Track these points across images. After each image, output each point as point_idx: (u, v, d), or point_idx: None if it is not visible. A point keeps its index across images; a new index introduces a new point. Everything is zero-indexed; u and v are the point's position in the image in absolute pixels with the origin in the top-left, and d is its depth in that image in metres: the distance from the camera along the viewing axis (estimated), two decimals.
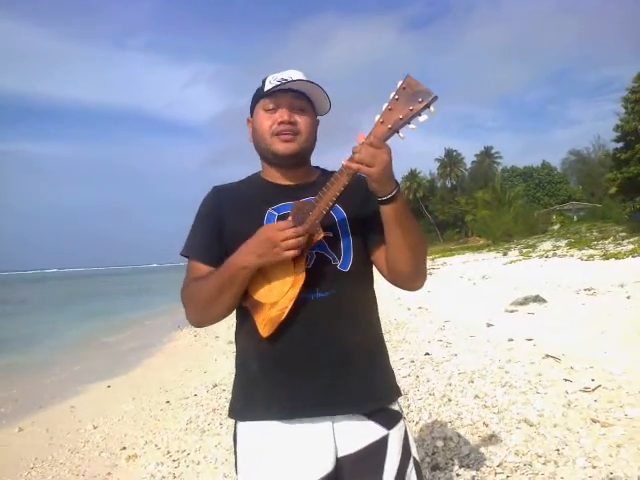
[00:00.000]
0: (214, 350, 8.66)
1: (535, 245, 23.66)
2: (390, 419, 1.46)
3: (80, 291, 40.04)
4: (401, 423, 1.49)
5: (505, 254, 22.81)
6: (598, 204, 41.57)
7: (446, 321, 8.21)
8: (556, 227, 37.50)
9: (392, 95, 1.31)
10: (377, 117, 1.32)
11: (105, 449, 4.41)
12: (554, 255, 17.57)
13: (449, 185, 74.81)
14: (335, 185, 1.35)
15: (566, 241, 21.46)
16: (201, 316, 1.49)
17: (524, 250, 22.58)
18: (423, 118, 1.30)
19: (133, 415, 5.35)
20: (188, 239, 1.56)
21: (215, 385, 5.95)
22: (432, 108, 1.29)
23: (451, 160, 73.31)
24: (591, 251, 16.18)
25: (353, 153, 1.30)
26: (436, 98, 1.28)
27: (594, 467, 2.89)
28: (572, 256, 16.09)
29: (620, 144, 25.68)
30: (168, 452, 4.08)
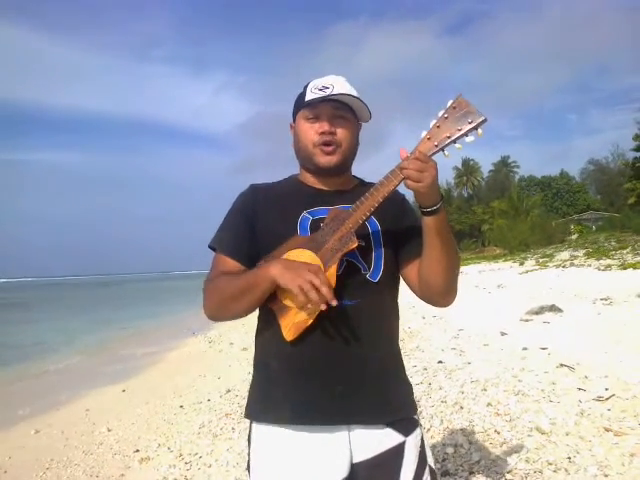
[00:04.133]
0: (228, 357, 8.69)
1: (552, 255, 23.42)
2: (407, 426, 1.46)
3: (97, 298, 40.42)
4: (418, 431, 1.48)
5: (522, 264, 22.61)
6: (617, 214, 41.11)
7: (460, 330, 8.16)
8: (574, 237, 37.09)
9: (441, 113, 1.33)
10: (424, 133, 1.34)
11: (119, 451, 4.46)
12: (571, 265, 17.38)
13: (465, 194, 74.47)
14: (375, 195, 1.37)
15: (584, 251, 21.19)
16: (218, 311, 1.49)
17: (541, 260, 22.36)
18: (470, 139, 1.33)
19: (147, 419, 5.40)
20: (219, 232, 1.55)
21: (228, 391, 5.99)
22: (480, 130, 1.32)
23: (468, 169, 73.00)
24: (609, 261, 15.98)
25: (400, 168, 1.31)
26: (485, 121, 1.31)
27: (606, 475, 2.86)
28: (589, 266, 15.91)
29: (639, 153, 25.39)
30: (180, 455, 4.12)
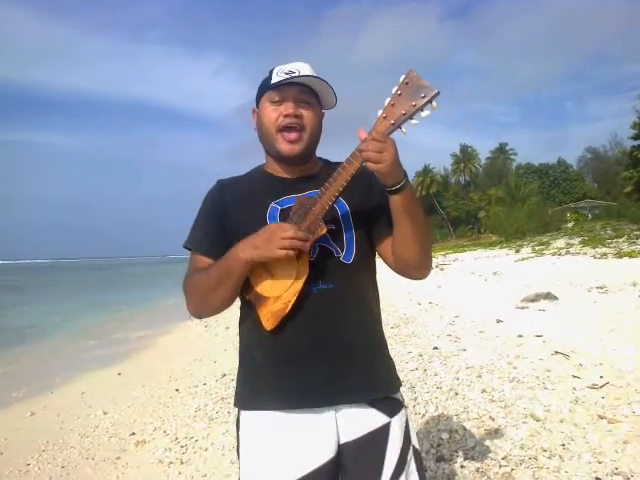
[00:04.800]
0: (224, 341, 8.71)
1: (548, 242, 23.47)
2: (392, 407, 1.48)
3: (93, 281, 40.43)
4: (403, 411, 1.50)
5: (517, 251, 22.66)
6: (613, 202, 41.19)
7: (456, 316, 8.20)
8: (570, 225, 37.19)
9: (394, 90, 1.32)
10: (380, 112, 1.33)
11: (114, 434, 4.48)
12: (567, 253, 17.42)
13: (463, 181, 74.47)
14: (338, 179, 1.36)
15: (580, 239, 21.24)
16: (200, 307, 1.51)
17: (537, 247, 22.41)
18: (425, 113, 1.31)
19: (142, 402, 5.42)
20: (191, 232, 1.58)
21: (224, 375, 6.00)
22: (434, 103, 1.30)
23: (465, 156, 72.93)
24: (605, 249, 16.01)
25: (359, 150, 1.31)
26: (438, 93, 1.29)
27: (599, 462, 2.89)
28: (585, 254, 15.94)
29: (637, 142, 25.38)
30: (176, 438, 4.13)
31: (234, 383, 5.09)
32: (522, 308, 8.29)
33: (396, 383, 1.53)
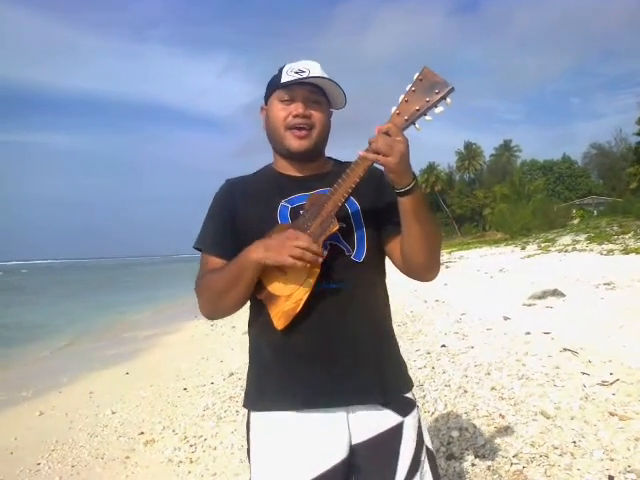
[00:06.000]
0: (231, 340, 8.72)
1: (554, 239, 23.38)
2: (405, 407, 1.47)
3: (100, 281, 40.54)
4: (415, 411, 1.49)
5: (523, 248, 22.58)
6: (619, 198, 40.95)
7: (462, 314, 8.17)
8: (576, 221, 37.03)
9: (409, 87, 1.32)
10: (393, 108, 1.33)
11: (123, 434, 4.49)
12: (573, 249, 17.35)
13: (467, 178, 74.29)
14: (351, 177, 1.35)
15: (586, 235, 21.13)
16: (213, 309, 1.51)
17: (543, 244, 22.33)
18: (439, 109, 1.31)
19: (151, 401, 5.43)
20: (201, 232, 1.57)
21: (231, 374, 6.00)
22: (448, 99, 1.29)
23: (470, 153, 72.69)
24: (611, 245, 15.94)
25: (370, 144, 1.30)
26: (452, 89, 1.28)
27: (611, 460, 2.87)
28: (592, 250, 15.88)
29: None
30: (185, 437, 4.14)
31: (242, 382, 5.10)
32: (529, 305, 8.26)
33: (407, 384, 1.52)
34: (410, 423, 1.46)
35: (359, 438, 1.41)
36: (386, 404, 1.43)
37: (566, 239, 21.75)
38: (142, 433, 4.42)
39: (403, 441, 1.43)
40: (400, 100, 1.32)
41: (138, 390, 5.94)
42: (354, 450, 1.41)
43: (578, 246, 18.08)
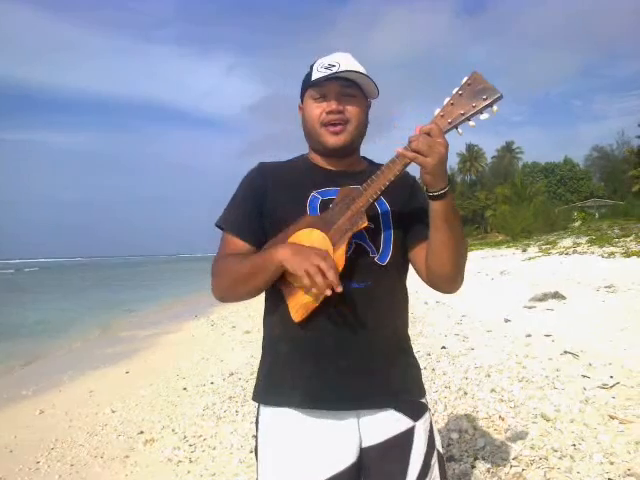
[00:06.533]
0: (231, 339, 8.71)
1: (555, 242, 23.33)
2: (417, 411, 1.45)
3: (103, 279, 40.56)
4: (427, 415, 1.48)
5: (524, 250, 22.54)
6: (620, 201, 40.92)
7: (463, 316, 8.17)
8: (577, 224, 36.98)
9: (455, 90, 1.30)
10: (437, 110, 1.31)
11: (123, 433, 4.48)
12: (574, 252, 17.33)
13: (469, 180, 74.20)
14: (386, 174, 1.34)
15: (587, 238, 21.09)
16: (227, 292, 1.48)
17: (544, 246, 22.30)
18: (484, 116, 1.30)
19: (150, 400, 5.42)
20: (226, 210, 1.53)
21: (231, 374, 5.99)
22: (495, 107, 1.28)
23: (472, 155, 72.63)
24: (612, 248, 15.90)
25: (409, 142, 1.28)
26: (501, 97, 1.27)
27: (611, 463, 2.86)
28: (593, 253, 15.85)
29: None
30: (185, 437, 4.13)
31: (242, 382, 5.10)
32: (530, 307, 8.26)
33: (421, 389, 1.50)
34: (421, 427, 1.44)
35: (370, 441, 1.40)
36: (398, 407, 1.42)
37: (567, 241, 21.70)
38: (142, 432, 4.41)
39: (414, 446, 1.42)
40: (445, 102, 1.31)
41: (138, 389, 5.93)
42: (364, 453, 1.40)
43: (579, 249, 18.04)
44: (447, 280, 1.44)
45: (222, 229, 1.52)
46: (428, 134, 1.26)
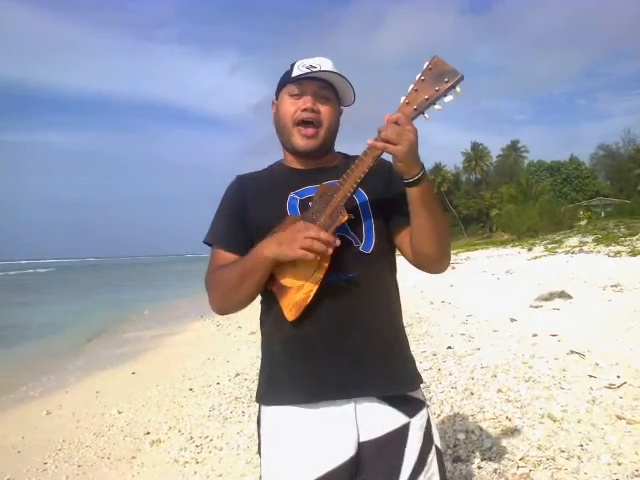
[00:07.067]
0: (236, 340, 8.73)
1: (561, 241, 23.25)
2: (412, 407, 1.47)
3: (108, 280, 40.68)
4: (423, 411, 1.49)
5: (530, 249, 22.49)
6: (626, 200, 40.76)
7: (469, 315, 8.15)
8: (583, 223, 36.86)
9: (418, 76, 1.32)
10: (402, 98, 1.33)
11: (129, 433, 4.50)
12: (580, 251, 17.26)
13: (474, 179, 74.09)
14: (360, 166, 1.36)
15: (593, 237, 21.01)
16: (224, 303, 1.50)
17: (549, 246, 22.22)
18: (449, 99, 1.31)
19: (157, 401, 5.44)
20: (212, 227, 1.58)
21: (237, 374, 6.01)
22: (458, 88, 1.29)
23: (477, 154, 72.53)
24: (618, 247, 15.83)
25: (378, 132, 1.30)
26: (462, 78, 1.28)
27: (619, 464, 2.85)
28: (599, 252, 15.78)
29: None
30: (191, 438, 4.14)
31: (247, 383, 5.10)
32: (536, 307, 8.23)
33: (416, 379, 1.52)
34: (417, 424, 1.46)
35: (367, 436, 1.41)
36: (394, 403, 1.43)
37: (573, 240, 21.62)
38: (148, 433, 4.43)
39: (408, 442, 1.43)
40: (409, 89, 1.32)
41: (144, 390, 5.95)
42: (361, 447, 1.42)
43: (585, 248, 17.98)
44: (433, 261, 1.48)
45: (210, 245, 1.56)
46: (396, 123, 1.27)
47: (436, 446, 1.49)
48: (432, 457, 1.46)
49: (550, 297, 8.56)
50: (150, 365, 7.64)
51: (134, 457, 3.97)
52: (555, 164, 65.20)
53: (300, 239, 1.27)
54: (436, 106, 1.31)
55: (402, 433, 1.43)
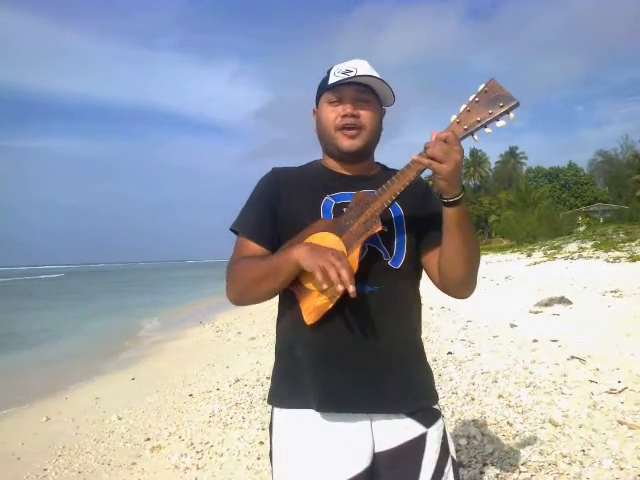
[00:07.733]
0: (236, 346, 8.71)
1: (560, 246, 23.27)
2: (429, 417, 1.45)
3: (106, 286, 40.60)
4: (440, 422, 1.47)
5: (529, 255, 22.51)
6: (625, 206, 40.79)
7: (469, 321, 8.14)
8: (582, 229, 36.86)
9: (472, 97, 1.31)
10: (454, 117, 1.32)
11: (130, 440, 4.48)
12: (579, 257, 17.27)
13: (473, 185, 74.14)
14: (401, 179, 1.35)
15: (592, 243, 21.03)
16: (241, 295, 1.48)
17: (549, 251, 22.24)
18: (501, 123, 1.30)
19: (157, 407, 5.42)
20: (241, 215, 1.54)
21: (237, 380, 5.99)
22: (512, 114, 1.29)
23: (475, 160, 72.60)
24: (617, 253, 15.85)
25: (425, 148, 1.29)
26: (518, 104, 1.28)
27: (621, 469, 2.85)
28: (598, 258, 15.80)
29: None
30: (192, 444, 4.13)
31: (247, 389, 5.07)
32: (536, 312, 8.23)
33: (434, 398, 1.49)
34: (434, 434, 1.44)
35: (382, 447, 1.40)
36: (410, 413, 1.42)
37: (572, 246, 21.66)
38: (148, 439, 4.41)
39: (426, 452, 1.41)
40: (462, 109, 1.32)
41: (144, 396, 5.93)
42: (376, 458, 1.40)
43: (584, 253, 17.99)
44: (460, 285, 1.46)
45: (236, 233, 1.53)
46: (445, 141, 1.26)
47: (452, 457, 1.47)
48: (449, 469, 1.44)
49: (550, 303, 8.57)
50: (150, 371, 7.61)
51: (134, 463, 3.95)
52: (554, 170, 65.33)
53: (325, 259, 1.24)
54: (487, 129, 1.31)
55: (419, 444, 1.41)
